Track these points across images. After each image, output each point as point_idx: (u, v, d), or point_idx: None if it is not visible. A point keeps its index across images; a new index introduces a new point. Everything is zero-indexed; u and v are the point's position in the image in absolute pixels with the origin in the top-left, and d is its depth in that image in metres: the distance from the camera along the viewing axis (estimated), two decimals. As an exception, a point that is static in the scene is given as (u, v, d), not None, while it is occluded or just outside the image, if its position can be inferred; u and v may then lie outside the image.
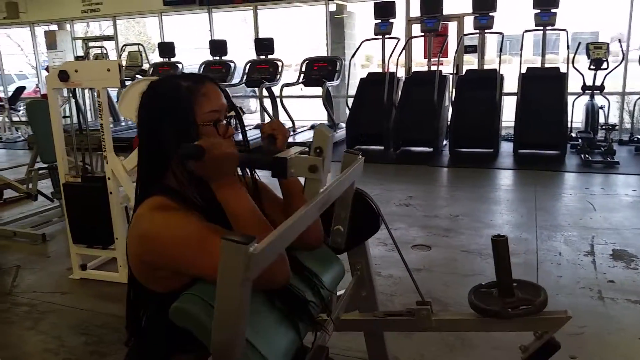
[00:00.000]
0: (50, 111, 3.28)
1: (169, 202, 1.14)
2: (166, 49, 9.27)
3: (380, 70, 8.04)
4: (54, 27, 11.70)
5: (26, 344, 2.74)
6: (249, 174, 1.30)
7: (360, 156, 1.30)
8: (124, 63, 9.72)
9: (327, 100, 8.00)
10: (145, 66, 9.46)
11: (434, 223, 4.30)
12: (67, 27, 11.59)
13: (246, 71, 8.42)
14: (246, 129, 1.32)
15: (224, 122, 1.19)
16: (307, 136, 7.82)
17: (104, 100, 3.21)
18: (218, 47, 8.84)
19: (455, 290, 3.09)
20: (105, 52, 10.27)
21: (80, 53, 10.85)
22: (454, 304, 2.89)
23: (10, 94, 10.59)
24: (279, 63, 8.31)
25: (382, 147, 7.37)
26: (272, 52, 8.45)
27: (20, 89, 10.35)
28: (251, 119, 9.99)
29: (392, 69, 7.55)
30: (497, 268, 1.42)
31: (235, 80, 8.65)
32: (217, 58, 8.82)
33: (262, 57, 8.52)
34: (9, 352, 2.63)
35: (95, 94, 3.46)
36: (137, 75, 8.52)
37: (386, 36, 7.79)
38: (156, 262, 1.11)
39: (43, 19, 11.56)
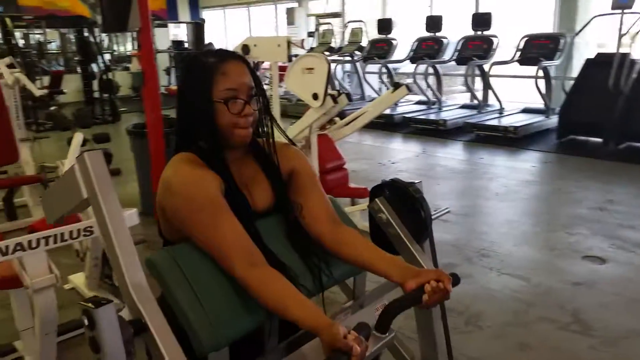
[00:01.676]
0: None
1: (197, 159, 1.23)
2: (384, 25, 9.45)
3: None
4: (294, 5, 12.89)
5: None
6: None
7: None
8: (346, 39, 10.26)
9: (546, 82, 7.22)
10: (365, 42, 9.78)
11: (625, 234, 3.63)
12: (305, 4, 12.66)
13: (458, 48, 8.10)
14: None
15: (240, 100, 1.21)
16: (512, 120, 7.21)
17: (274, 72, 3.51)
18: (433, 23, 8.65)
19: (610, 314, 2.61)
20: (331, 28, 10.90)
21: (312, 29, 11.75)
22: (598, 329, 2.46)
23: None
24: (494, 40, 7.77)
25: (601, 140, 6.40)
26: (488, 28, 7.93)
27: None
28: (461, 99, 9.59)
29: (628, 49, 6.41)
30: None
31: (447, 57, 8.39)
32: (432, 34, 8.66)
33: (479, 33, 8.07)
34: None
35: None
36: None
37: (625, 10, 6.60)
38: (167, 209, 1.20)
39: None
